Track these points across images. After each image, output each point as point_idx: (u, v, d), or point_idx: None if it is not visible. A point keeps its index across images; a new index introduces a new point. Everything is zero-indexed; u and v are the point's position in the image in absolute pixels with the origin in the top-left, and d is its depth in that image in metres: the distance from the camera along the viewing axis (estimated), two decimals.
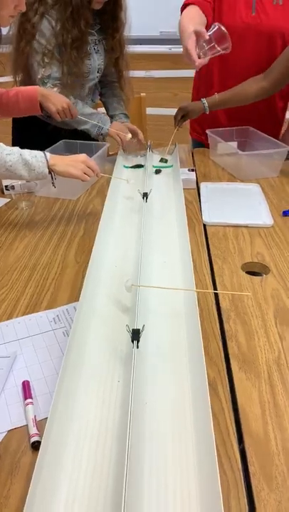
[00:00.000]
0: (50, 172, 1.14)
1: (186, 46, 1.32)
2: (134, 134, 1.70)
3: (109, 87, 1.80)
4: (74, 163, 1.17)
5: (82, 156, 1.19)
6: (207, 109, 1.61)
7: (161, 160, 1.60)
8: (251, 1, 1.59)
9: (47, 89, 1.45)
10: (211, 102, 1.60)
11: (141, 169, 1.61)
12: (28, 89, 1.38)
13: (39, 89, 1.38)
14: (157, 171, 1.56)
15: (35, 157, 1.11)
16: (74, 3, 1.39)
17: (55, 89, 1.51)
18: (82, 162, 1.18)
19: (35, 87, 1.39)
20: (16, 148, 1.11)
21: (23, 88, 1.39)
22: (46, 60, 1.50)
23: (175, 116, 1.69)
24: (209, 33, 1.33)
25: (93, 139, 1.65)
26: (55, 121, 1.47)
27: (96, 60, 1.60)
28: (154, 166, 1.62)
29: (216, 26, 1.35)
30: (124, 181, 1.44)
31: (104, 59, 1.64)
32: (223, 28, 1.35)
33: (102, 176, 1.28)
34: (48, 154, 1.14)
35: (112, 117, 1.79)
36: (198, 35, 1.33)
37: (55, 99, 1.40)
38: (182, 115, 1.67)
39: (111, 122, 1.67)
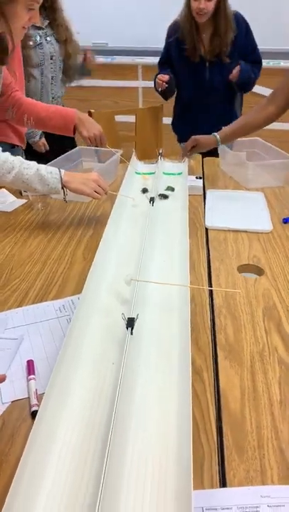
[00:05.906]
0: (62, 188, 1.22)
1: None
2: None
3: None
4: (86, 181, 1.24)
5: (95, 175, 1.26)
6: (220, 142, 1.64)
7: (167, 189, 1.59)
8: None
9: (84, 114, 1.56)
10: (222, 135, 1.63)
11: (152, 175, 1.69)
12: (67, 110, 1.48)
13: (77, 114, 1.47)
14: (165, 196, 1.50)
15: (51, 173, 1.20)
16: None
17: None
18: (94, 181, 1.25)
19: (75, 110, 1.47)
20: (34, 163, 1.20)
21: (63, 109, 1.50)
22: None
23: (186, 146, 1.70)
24: None
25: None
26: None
27: (48, 49, 2.06)
28: (164, 173, 1.70)
29: None
30: (133, 185, 1.53)
31: (57, 47, 2.09)
32: None
33: (110, 193, 1.32)
34: (62, 171, 1.22)
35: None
36: None
37: (89, 126, 1.49)
38: (193, 146, 1.69)
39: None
